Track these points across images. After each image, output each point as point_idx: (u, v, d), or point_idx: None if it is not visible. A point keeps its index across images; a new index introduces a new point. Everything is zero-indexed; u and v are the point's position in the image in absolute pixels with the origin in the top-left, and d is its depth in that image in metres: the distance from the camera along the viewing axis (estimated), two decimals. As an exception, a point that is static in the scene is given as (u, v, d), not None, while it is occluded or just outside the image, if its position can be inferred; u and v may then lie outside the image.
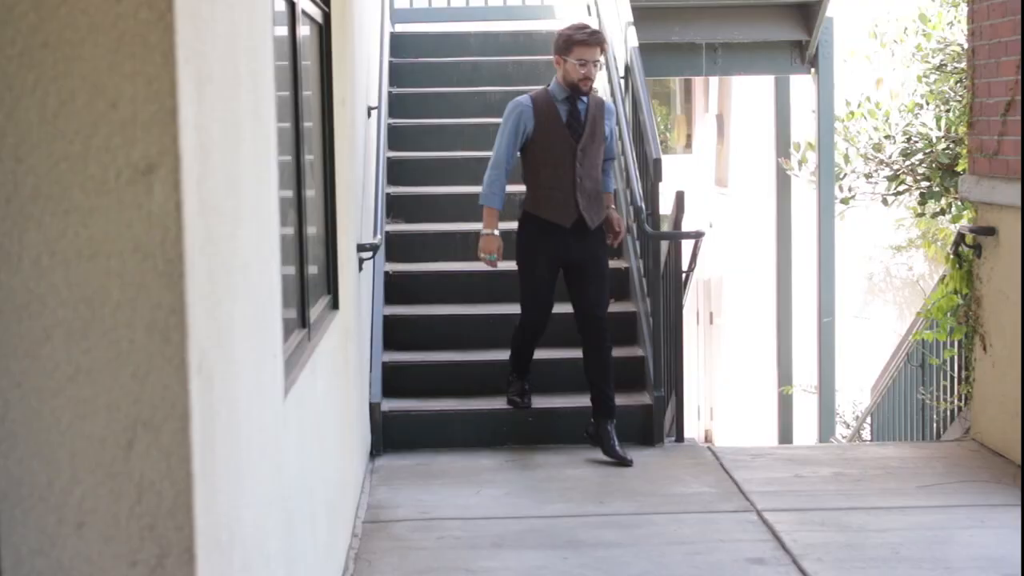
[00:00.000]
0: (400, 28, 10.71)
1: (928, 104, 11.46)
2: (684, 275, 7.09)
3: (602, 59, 6.44)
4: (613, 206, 6.68)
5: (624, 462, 6.35)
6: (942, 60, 11.51)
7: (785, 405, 12.39)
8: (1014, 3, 6.26)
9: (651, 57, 8.48)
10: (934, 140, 11.33)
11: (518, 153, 6.49)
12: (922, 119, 11.39)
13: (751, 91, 16.76)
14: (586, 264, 6.42)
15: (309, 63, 4.49)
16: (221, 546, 2.41)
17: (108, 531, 2.18)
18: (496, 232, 6.45)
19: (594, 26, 9.63)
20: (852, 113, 11.74)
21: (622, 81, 8.52)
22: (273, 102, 3.23)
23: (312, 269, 4.33)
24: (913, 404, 8.92)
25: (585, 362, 6.50)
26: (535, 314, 6.53)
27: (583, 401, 6.64)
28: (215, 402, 2.38)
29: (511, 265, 7.86)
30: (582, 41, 6.30)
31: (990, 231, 6.55)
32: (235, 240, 2.62)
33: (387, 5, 9.92)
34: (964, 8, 9.59)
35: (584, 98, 6.40)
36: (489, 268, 6.57)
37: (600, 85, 9.28)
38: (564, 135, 6.37)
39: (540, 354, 7.24)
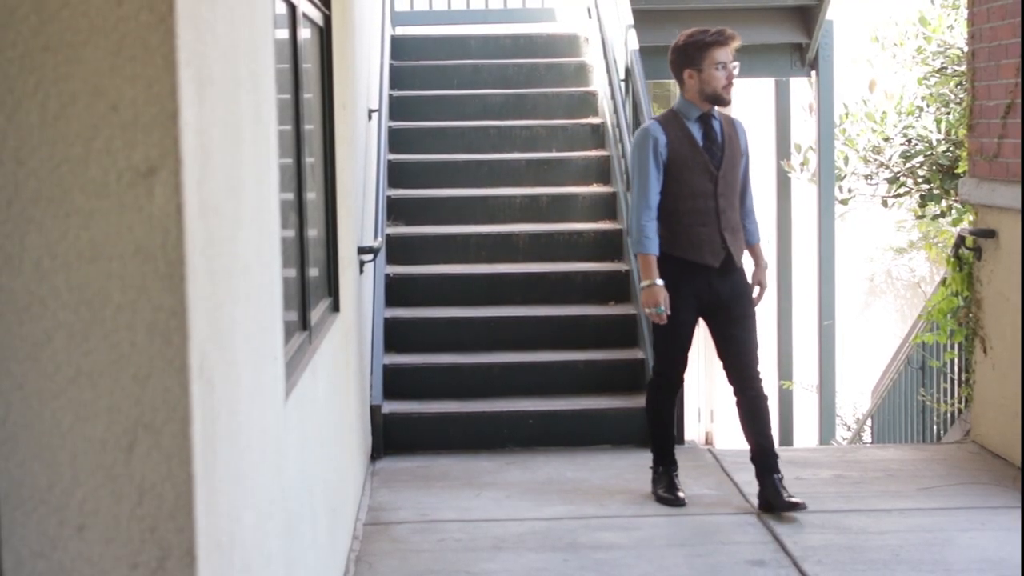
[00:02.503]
0: (401, 31, 10.73)
1: (928, 107, 11.46)
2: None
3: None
4: (766, 263, 5.85)
5: (798, 505, 5.55)
6: (942, 63, 11.51)
7: (785, 407, 12.37)
8: (1014, 6, 6.27)
9: (652, 60, 8.45)
10: (934, 143, 11.34)
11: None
12: (922, 122, 11.39)
13: (751, 93, 16.75)
14: (732, 304, 5.63)
15: (310, 66, 4.50)
16: (222, 548, 2.41)
17: (109, 533, 2.18)
18: (660, 282, 5.55)
19: (594, 29, 9.70)
20: (846, 115, 11.74)
21: (623, 84, 8.52)
22: (274, 105, 3.23)
23: (313, 272, 4.33)
24: (913, 406, 8.92)
25: (741, 414, 5.71)
26: (677, 366, 5.73)
27: (582, 403, 6.63)
28: (216, 404, 2.38)
29: (511, 267, 7.92)
30: (716, 42, 5.54)
31: (990, 234, 6.55)
32: (236, 242, 2.62)
33: (388, 8, 9.93)
34: (964, 11, 9.59)
35: (715, 114, 5.64)
36: (657, 321, 5.61)
37: (600, 88, 9.31)
38: (703, 161, 5.57)
39: (541, 355, 7.26)
